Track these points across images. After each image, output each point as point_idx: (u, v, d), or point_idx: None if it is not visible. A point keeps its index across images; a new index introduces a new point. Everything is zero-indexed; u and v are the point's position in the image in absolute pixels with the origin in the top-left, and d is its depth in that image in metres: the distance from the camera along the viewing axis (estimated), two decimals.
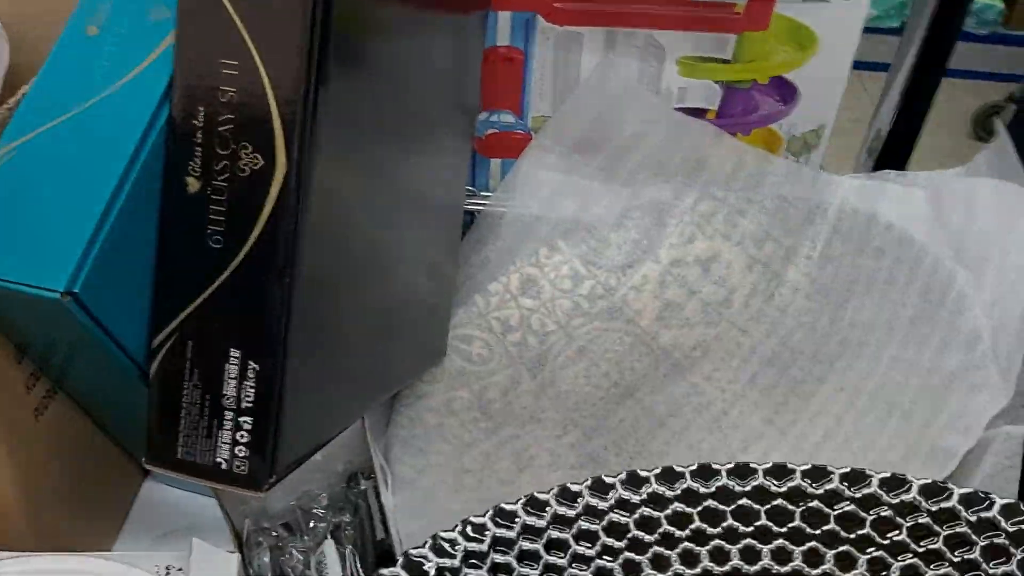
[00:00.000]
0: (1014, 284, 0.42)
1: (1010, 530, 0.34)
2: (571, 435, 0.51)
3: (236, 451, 0.34)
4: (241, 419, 0.34)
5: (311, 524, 0.43)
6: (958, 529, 0.35)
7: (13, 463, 0.39)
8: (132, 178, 0.33)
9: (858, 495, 0.36)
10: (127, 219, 0.33)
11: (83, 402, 0.42)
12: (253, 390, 0.33)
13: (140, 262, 0.33)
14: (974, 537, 0.35)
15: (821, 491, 0.37)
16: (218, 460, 0.34)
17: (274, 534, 0.42)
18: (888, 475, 0.36)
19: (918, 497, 0.35)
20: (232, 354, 0.33)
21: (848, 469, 0.37)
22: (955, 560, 0.35)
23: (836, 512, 0.37)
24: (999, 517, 0.34)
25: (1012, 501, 0.34)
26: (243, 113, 0.31)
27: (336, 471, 0.47)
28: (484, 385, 0.54)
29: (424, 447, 0.50)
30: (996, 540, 0.34)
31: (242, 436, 0.34)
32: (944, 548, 0.35)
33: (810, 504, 0.37)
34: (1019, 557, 0.34)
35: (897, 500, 0.36)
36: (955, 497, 0.35)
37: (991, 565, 0.35)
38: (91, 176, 0.32)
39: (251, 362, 0.33)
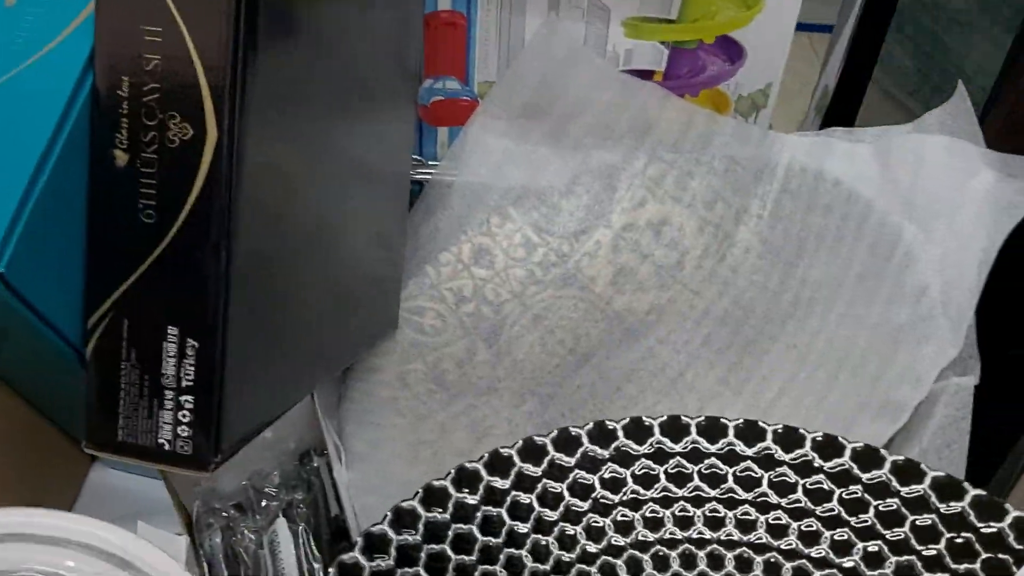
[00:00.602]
0: (966, 238, 0.42)
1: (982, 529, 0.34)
2: (528, 404, 0.51)
3: (179, 431, 0.33)
4: (182, 398, 0.33)
5: (263, 503, 0.43)
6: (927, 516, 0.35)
7: None
8: (56, 152, 0.31)
9: (833, 468, 0.36)
10: (53, 194, 0.32)
11: (20, 387, 0.41)
12: (193, 368, 0.32)
13: (70, 239, 0.32)
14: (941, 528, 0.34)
15: (793, 456, 0.37)
16: (161, 441, 0.33)
17: (224, 515, 0.41)
18: (861, 447, 0.36)
19: (889, 475, 0.35)
20: (170, 332, 0.32)
21: (820, 435, 0.37)
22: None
23: (805, 482, 0.37)
24: (969, 509, 0.34)
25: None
26: (169, 82, 0.30)
27: (288, 449, 0.46)
28: (438, 357, 0.54)
29: (378, 421, 0.49)
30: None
31: (184, 416, 0.33)
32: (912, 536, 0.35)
33: (779, 470, 0.37)
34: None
35: (871, 477, 0.35)
36: (927, 480, 0.34)
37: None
38: (13, 151, 0.31)
39: (190, 339, 0.32)
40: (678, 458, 0.39)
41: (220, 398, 0.33)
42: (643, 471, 0.39)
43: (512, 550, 0.38)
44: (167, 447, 0.33)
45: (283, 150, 0.35)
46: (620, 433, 0.39)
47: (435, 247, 0.56)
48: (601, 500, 0.38)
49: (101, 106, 0.31)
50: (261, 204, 0.33)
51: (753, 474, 0.37)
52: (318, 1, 0.35)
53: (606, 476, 0.38)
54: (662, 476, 0.38)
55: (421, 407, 0.51)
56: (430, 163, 0.58)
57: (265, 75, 0.32)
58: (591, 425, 0.39)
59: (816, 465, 0.36)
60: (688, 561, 0.37)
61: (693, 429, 0.39)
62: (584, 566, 0.38)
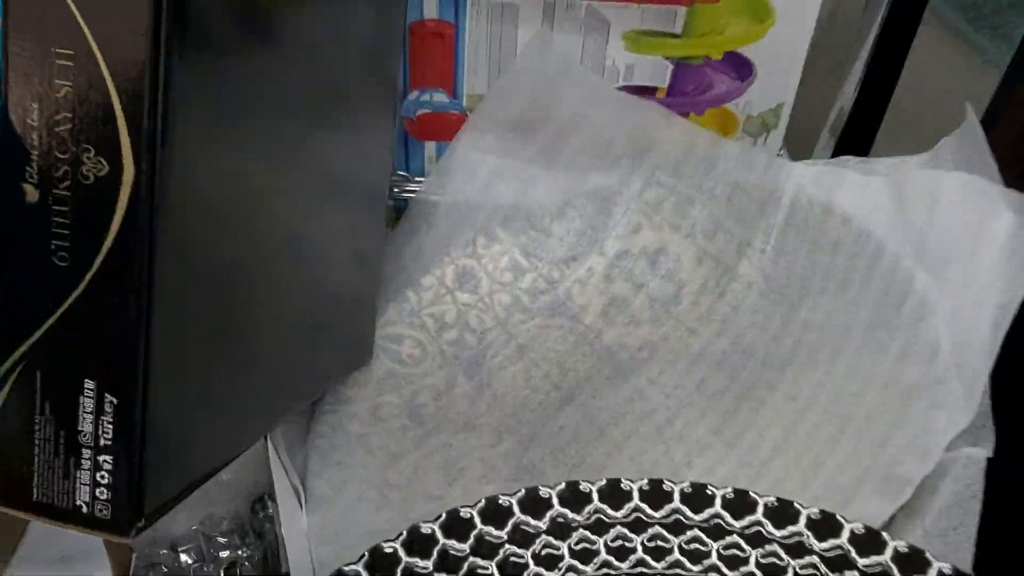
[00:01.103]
0: (981, 290, 0.38)
1: None
2: (506, 443, 0.47)
3: (97, 493, 0.30)
4: (100, 458, 0.30)
5: (213, 552, 0.39)
6: None
7: None
8: None
9: (828, 549, 0.32)
10: None
11: None
12: (111, 426, 0.29)
13: None
14: None
15: (784, 534, 0.33)
16: (78, 504, 0.30)
17: (164, 569, 0.38)
18: (861, 529, 0.32)
19: (890, 563, 0.31)
20: (87, 386, 0.29)
21: (817, 512, 0.33)
22: None
23: (796, 564, 0.33)
24: None
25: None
26: (82, 111, 0.27)
27: (244, 491, 0.43)
28: (415, 389, 0.50)
29: (345, 459, 0.46)
30: None
31: (103, 477, 0.30)
32: None
33: (769, 548, 0.33)
34: None
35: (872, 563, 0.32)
36: (932, 573, 0.31)
37: None
38: None
39: (107, 395, 0.29)
40: (658, 527, 0.35)
41: (141, 459, 0.30)
42: (618, 541, 0.35)
43: None
44: (85, 510, 0.30)
45: (221, 176, 0.31)
46: (595, 496, 0.36)
47: (418, 269, 0.52)
48: (568, 572, 0.35)
49: (9, 135, 0.27)
50: (192, 241, 0.30)
51: (740, 552, 0.34)
52: (271, 8, 0.32)
53: (576, 545, 0.35)
54: (639, 548, 0.35)
55: (393, 445, 0.47)
56: (416, 179, 0.55)
57: (195, 98, 0.28)
58: (563, 486, 0.36)
59: (809, 546, 0.33)
60: None
61: (676, 496, 0.35)
62: None
